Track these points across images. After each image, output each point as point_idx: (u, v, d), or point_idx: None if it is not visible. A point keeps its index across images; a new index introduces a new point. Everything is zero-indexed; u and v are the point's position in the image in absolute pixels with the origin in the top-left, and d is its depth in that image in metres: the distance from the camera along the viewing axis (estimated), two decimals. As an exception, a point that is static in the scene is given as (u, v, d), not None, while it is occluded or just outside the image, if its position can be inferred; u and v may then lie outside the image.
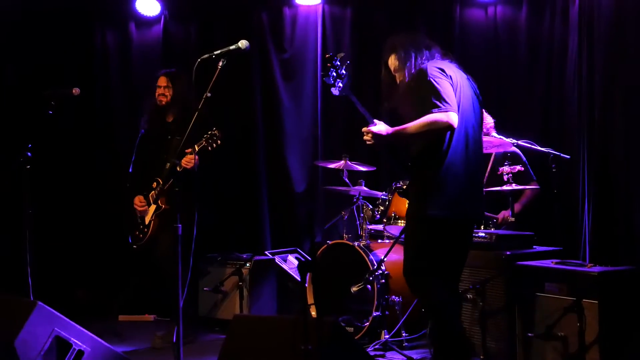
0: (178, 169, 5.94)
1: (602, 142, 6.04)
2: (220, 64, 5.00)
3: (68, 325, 4.69)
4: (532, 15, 7.06)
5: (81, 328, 4.77)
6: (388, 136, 4.37)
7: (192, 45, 7.82)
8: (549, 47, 6.94)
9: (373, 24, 7.60)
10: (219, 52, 5.00)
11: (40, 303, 4.60)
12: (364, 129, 4.40)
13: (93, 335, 4.82)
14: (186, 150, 5.89)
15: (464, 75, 4.55)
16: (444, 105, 4.21)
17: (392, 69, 4.65)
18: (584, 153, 6.19)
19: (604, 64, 6.05)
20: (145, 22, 7.90)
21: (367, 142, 4.43)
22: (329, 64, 4.33)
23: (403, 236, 6.12)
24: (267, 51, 7.70)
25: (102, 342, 4.89)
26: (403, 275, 4.47)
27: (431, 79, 4.29)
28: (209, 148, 5.82)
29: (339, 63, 4.35)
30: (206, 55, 5.02)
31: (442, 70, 4.38)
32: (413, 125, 4.27)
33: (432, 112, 4.20)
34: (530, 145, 6.04)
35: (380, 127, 4.38)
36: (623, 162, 5.86)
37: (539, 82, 7.01)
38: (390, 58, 4.65)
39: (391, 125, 4.40)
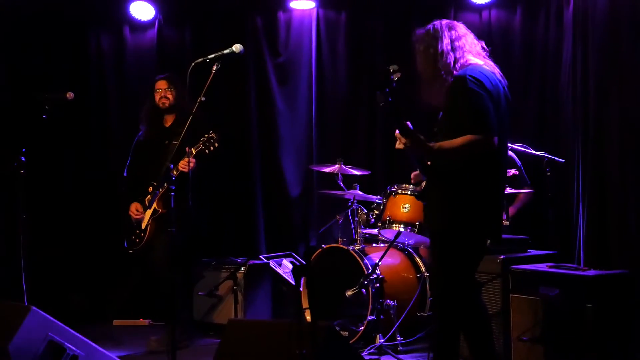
0: (175, 172, 5.93)
1: (596, 146, 6.04)
2: (215, 68, 5.00)
3: (62, 330, 4.67)
4: (527, 19, 7.07)
5: (75, 333, 4.75)
6: (425, 151, 4.15)
7: (187, 49, 7.81)
8: (544, 50, 6.96)
9: (367, 28, 7.61)
10: (213, 56, 5.01)
11: (34, 308, 4.58)
12: (397, 135, 4.15)
13: (87, 340, 4.81)
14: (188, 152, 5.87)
15: (498, 80, 4.29)
16: (485, 128, 4.03)
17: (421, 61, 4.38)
18: (578, 157, 6.19)
19: (598, 67, 6.05)
20: (140, 26, 7.88)
21: (398, 148, 4.20)
22: (384, 78, 3.99)
23: (397, 240, 6.16)
24: (262, 55, 7.70)
25: (97, 347, 4.87)
26: (441, 297, 4.33)
27: (472, 96, 4.06)
28: (207, 151, 5.81)
29: (393, 77, 4.12)
30: (200, 60, 5.03)
31: (481, 83, 4.11)
32: (452, 145, 4.08)
33: (472, 135, 4.03)
34: (524, 149, 6.04)
35: (418, 137, 4.10)
36: (617, 165, 5.87)
37: (533, 85, 7.02)
38: (419, 50, 4.40)
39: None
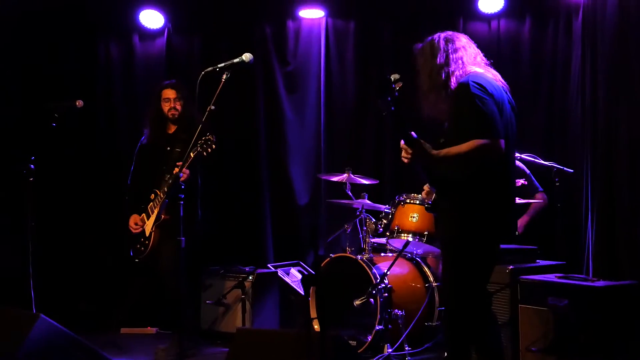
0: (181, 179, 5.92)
1: (605, 156, 6.03)
2: (224, 77, 5.00)
3: (70, 338, 4.68)
4: (536, 29, 7.08)
5: (83, 340, 4.76)
6: (430, 159, 4.11)
7: (196, 58, 7.83)
8: (552, 60, 6.97)
9: (376, 37, 7.62)
10: (222, 65, 5.01)
11: (42, 315, 4.58)
12: (403, 146, 4.12)
13: (95, 348, 4.81)
14: (177, 163, 5.84)
15: (502, 87, 4.29)
16: (491, 131, 3.99)
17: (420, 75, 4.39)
18: (587, 166, 6.19)
19: (607, 77, 6.05)
20: (149, 35, 7.90)
21: (404, 160, 4.15)
22: (385, 87, 3.96)
23: (406, 250, 6.15)
24: (271, 64, 7.71)
25: (105, 354, 4.87)
26: (452, 308, 4.27)
27: (476, 100, 4.03)
28: (204, 153, 5.73)
29: (395, 86, 4.09)
30: (210, 68, 5.03)
31: (484, 88, 4.09)
32: (459, 151, 4.03)
33: (479, 140, 3.98)
34: (533, 159, 6.04)
35: (423, 146, 4.08)
36: (626, 175, 5.86)
37: (542, 95, 7.02)
38: (418, 64, 4.41)
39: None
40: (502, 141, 4.04)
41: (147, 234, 6.29)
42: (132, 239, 6.39)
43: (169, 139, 6.43)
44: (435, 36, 4.41)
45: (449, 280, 4.34)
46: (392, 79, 3.98)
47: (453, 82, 4.23)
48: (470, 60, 4.33)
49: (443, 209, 4.31)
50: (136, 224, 6.33)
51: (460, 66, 4.28)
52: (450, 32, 4.43)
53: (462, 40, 4.40)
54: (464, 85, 4.13)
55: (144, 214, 6.33)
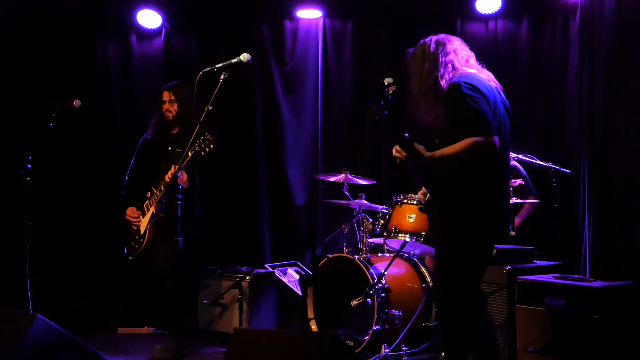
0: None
1: (602, 156, 6.03)
2: (222, 77, 4.99)
3: (67, 338, 4.67)
4: (533, 30, 7.09)
5: (80, 341, 4.75)
6: (425, 161, 4.11)
7: (193, 58, 7.82)
8: (550, 61, 6.97)
9: (374, 38, 7.62)
10: (220, 65, 5.00)
11: (39, 315, 4.58)
12: (396, 148, 4.12)
13: (92, 348, 4.80)
14: (174, 165, 5.83)
15: (495, 88, 4.30)
16: (484, 129, 4.00)
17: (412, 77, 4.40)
18: (584, 167, 6.19)
19: (605, 78, 6.05)
20: (147, 35, 7.89)
21: (397, 161, 4.17)
22: (378, 91, 3.92)
23: (403, 250, 6.16)
24: (268, 64, 7.70)
25: (101, 354, 4.87)
26: (446, 309, 4.27)
27: (468, 100, 4.05)
28: (202, 153, 5.71)
29: (388, 90, 4.09)
30: (208, 69, 5.03)
31: (476, 88, 4.11)
32: (454, 150, 4.04)
33: (473, 138, 3.99)
34: (530, 160, 6.05)
35: (417, 148, 4.09)
36: (624, 176, 5.85)
37: (539, 96, 7.03)
38: (410, 67, 4.44)
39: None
40: (496, 138, 4.06)
41: (142, 231, 6.28)
42: (127, 236, 6.39)
43: (171, 139, 6.43)
44: (427, 39, 4.43)
45: (442, 281, 4.35)
46: (385, 82, 3.98)
47: (443, 85, 4.25)
48: (462, 63, 4.35)
49: (437, 209, 4.32)
50: (133, 212, 6.31)
51: (450, 70, 4.30)
52: (442, 35, 4.44)
53: (455, 43, 4.41)
54: (455, 86, 4.15)
55: (139, 212, 6.32)
